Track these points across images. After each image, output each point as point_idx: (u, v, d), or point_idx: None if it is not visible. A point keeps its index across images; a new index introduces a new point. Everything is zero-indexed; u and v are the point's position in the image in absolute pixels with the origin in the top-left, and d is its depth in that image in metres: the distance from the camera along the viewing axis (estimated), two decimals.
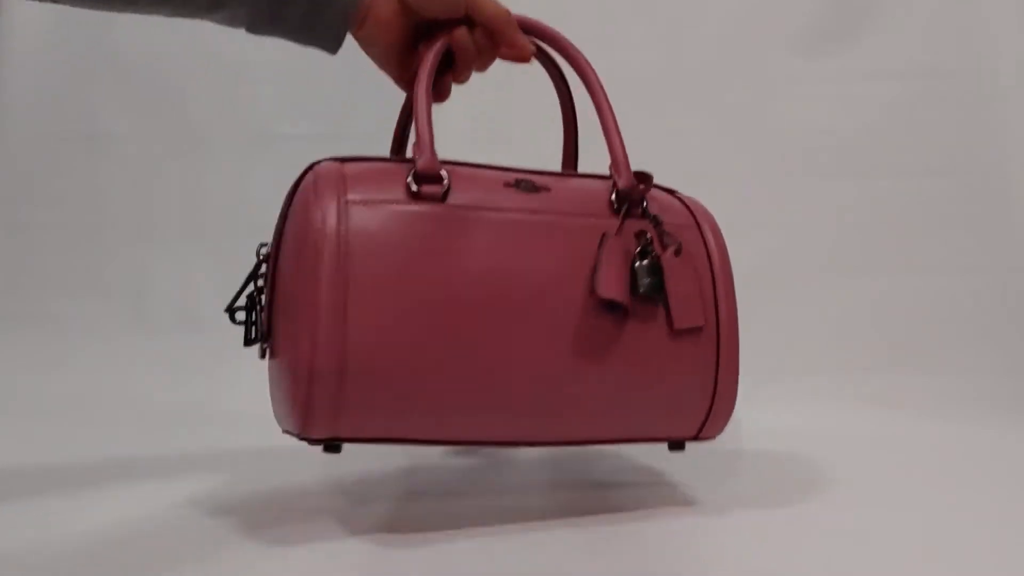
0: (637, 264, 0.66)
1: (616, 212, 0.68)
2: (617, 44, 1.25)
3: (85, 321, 1.28)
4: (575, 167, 0.81)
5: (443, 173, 0.63)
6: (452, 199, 0.62)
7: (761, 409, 1.00)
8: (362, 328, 0.57)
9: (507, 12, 0.70)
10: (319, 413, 0.58)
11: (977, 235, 1.19)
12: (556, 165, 0.80)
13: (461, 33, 0.69)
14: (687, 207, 0.74)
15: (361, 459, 0.75)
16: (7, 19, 1.32)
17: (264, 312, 0.64)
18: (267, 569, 0.58)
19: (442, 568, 0.58)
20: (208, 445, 0.91)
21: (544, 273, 0.63)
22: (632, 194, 0.70)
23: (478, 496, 0.75)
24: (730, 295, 0.72)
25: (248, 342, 0.64)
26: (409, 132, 0.75)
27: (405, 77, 0.72)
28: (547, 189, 0.66)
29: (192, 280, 1.25)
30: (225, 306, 0.64)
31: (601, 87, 0.74)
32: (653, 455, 0.81)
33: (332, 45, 0.69)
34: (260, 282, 0.66)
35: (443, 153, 0.64)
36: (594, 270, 0.64)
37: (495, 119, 1.09)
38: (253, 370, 0.67)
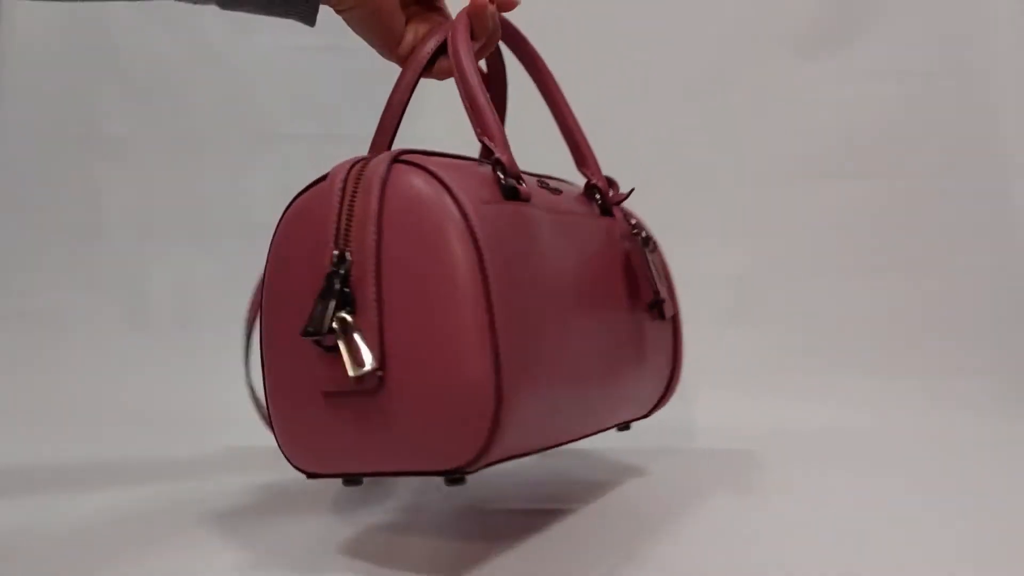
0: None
1: (606, 212, 0.71)
2: (617, 45, 1.26)
3: (84, 320, 1.28)
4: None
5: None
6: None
7: (761, 408, 1.02)
8: (509, 334, 0.52)
9: None
10: (501, 434, 0.51)
11: (975, 236, 1.20)
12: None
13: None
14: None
15: None
16: (7, 19, 1.31)
17: (371, 333, 0.52)
18: (267, 567, 0.58)
19: None
20: (206, 445, 0.91)
21: (591, 269, 0.65)
22: (615, 193, 0.74)
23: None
24: (671, 279, 0.79)
25: (358, 375, 0.51)
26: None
27: (393, 46, 0.67)
28: (559, 191, 0.67)
29: (192, 280, 1.25)
30: (304, 328, 0.52)
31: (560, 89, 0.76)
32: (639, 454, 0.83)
33: (307, 11, 0.64)
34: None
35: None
36: (642, 277, 0.69)
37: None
38: (252, 370, 0.66)
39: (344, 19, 0.67)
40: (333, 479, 0.56)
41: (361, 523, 0.67)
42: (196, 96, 1.30)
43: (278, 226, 0.57)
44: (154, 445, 0.92)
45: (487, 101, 0.61)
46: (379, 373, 0.51)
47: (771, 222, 1.23)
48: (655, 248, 0.74)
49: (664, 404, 0.79)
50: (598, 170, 0.74)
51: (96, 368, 1.20)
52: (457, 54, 0.63)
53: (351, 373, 0.50)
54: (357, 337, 0.51)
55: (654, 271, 0.71)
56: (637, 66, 1.25)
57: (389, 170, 0.53)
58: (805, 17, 1.25)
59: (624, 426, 0.76)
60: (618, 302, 0.68)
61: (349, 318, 0.51)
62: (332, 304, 0.51)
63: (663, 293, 0.70)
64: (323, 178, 0.57)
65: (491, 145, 0.59)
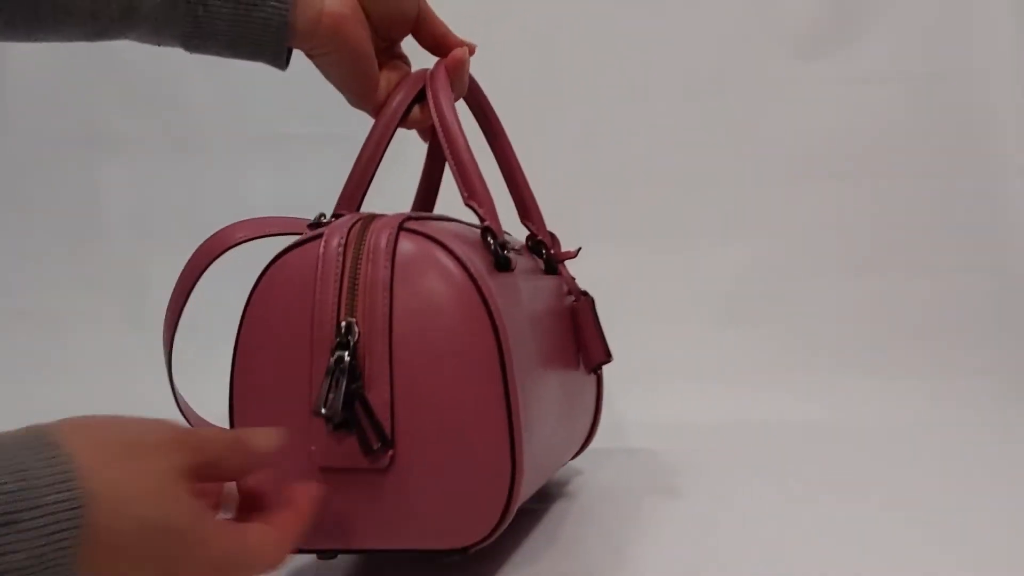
0: None
1: (551, 268, 0.71)
2: (617, 46, 1.27)
3: (83, 320, 1.26)
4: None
5: None
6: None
7: (761, 407, 1.05)
8: (517, 408, 0.51)
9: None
10: (513, 507, 0.51)
11: (972, 236, 1.23)
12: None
13: (463, 52, 0.66)
14: None
15: None
16: None
17: (382, 409, 0.50)
18: None
19: None
20: None
21: (549, 327, 0.65)
22: (560, 251, 0.75)
23: None
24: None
25: (369, 451, 0.50)
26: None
27: (369, 93, 0.64)
28: (519, 250, 0.66)
29: None
30: (315, 407, 0.49)
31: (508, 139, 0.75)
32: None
33: (274, 54, 0.61)
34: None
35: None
36: (593, 338, 0.70)
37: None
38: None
39: (317, 65, 0.64)
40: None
41: None
42: (196, 96, 1.29)
43: (259, 283, 0.54)
44: None
45: (474, 161, 0.60)
46: (391, 452, 0.50)
47: (770, 223, 1.25)
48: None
49: (588, 446, 0.80)
50: (543, 224, 0.74)
51: (96, 368, 1.18)
52: (442, 110, 0.61)
53: (364, 453, 0.49)
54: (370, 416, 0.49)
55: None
56: (637, 67, 1.27)
57: (397, 240, 0.52)
58: (804, 18, 1.26)
59: None
60: (569, 357, 0.69)
61: (366, 399, 0.49)
62: (344, 382, 0.49)
63: (609, 358, 0.72)
64: (310, 239, 0.54)
65: (479, 211, 0.58)
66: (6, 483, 0.34)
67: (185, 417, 0.72)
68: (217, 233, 0.67)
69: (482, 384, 0.50)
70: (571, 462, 0.80)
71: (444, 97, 0.62)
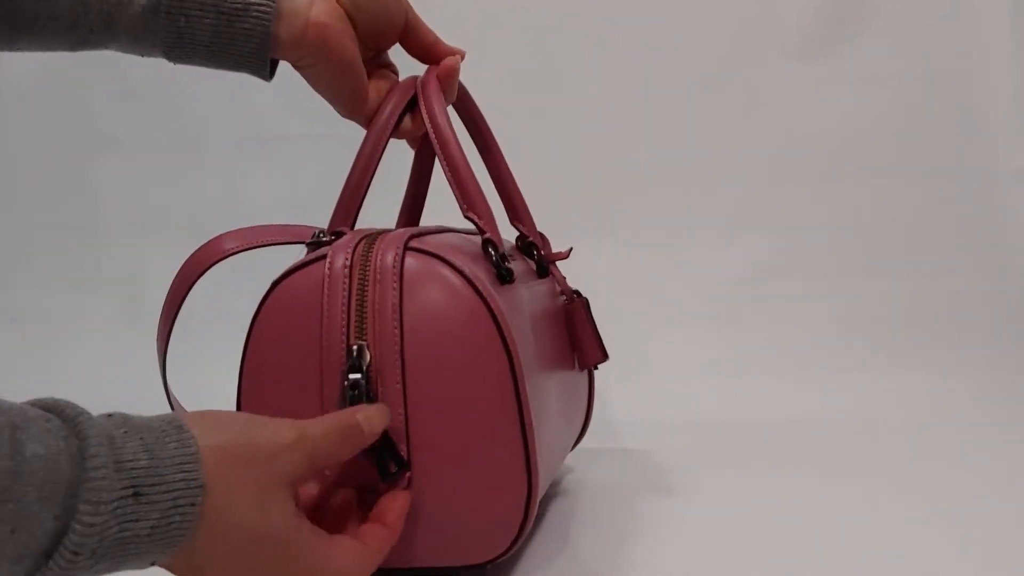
0: None
1: (543, 270, 0.71)
2: (615, 48, 1.27)
3: (82, 319, 1.26)
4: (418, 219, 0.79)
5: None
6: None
7: (760, 405, 1.06)
8: (530, 423, 0.52)
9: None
10: (530, 521, 0.53)
11: (971, 236, 1.24)
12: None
13: (455, 60, 0.65)
14: None
15: None
16: None
17: (397, 432, 0.50)
18: None
19: None
20: None
21: (546, 330, 0.65)
22: (552, 252, 0.75)
23: None
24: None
25: (386, 474, 0.50)
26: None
27: (358, 105, 0.63)
28: (513, 256, 0.66)
29: None
30: None
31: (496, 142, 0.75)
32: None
33: (258, 66, 0.60)
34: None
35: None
36: (589, 338, 0.70)
37: None
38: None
39: (305, 76, 0.63)
40: None
41: None
42: (194, 96, 1.27)
43: (262, 307, 0.54)
44: None
45: (471, 172, 0.59)
46: (408, 474, 0.50)
47: (770, 223, 1.26)
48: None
49: (579, 442, 0.81)
50: (533, 226, 0.74)
51: (94, 368, 1.17)
52: (436, 121, 0.60)
53: (382, 477, 0.49)
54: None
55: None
56: (636, 67, 1.27)
57: (403, 259, 0.51)
58: (803, 20, 1.27)
59: None
60: (564, 357, 0.69)
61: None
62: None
63: (605, 358, 0.72)
64: (312, 260, 0.53)
65: (478, 222, 0.58)
66: (140, 459, 0.37)
67: None
68: (207, 244, 0.66)
69: (496, 403, 0.51)
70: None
71: (438, 107, 0.61)
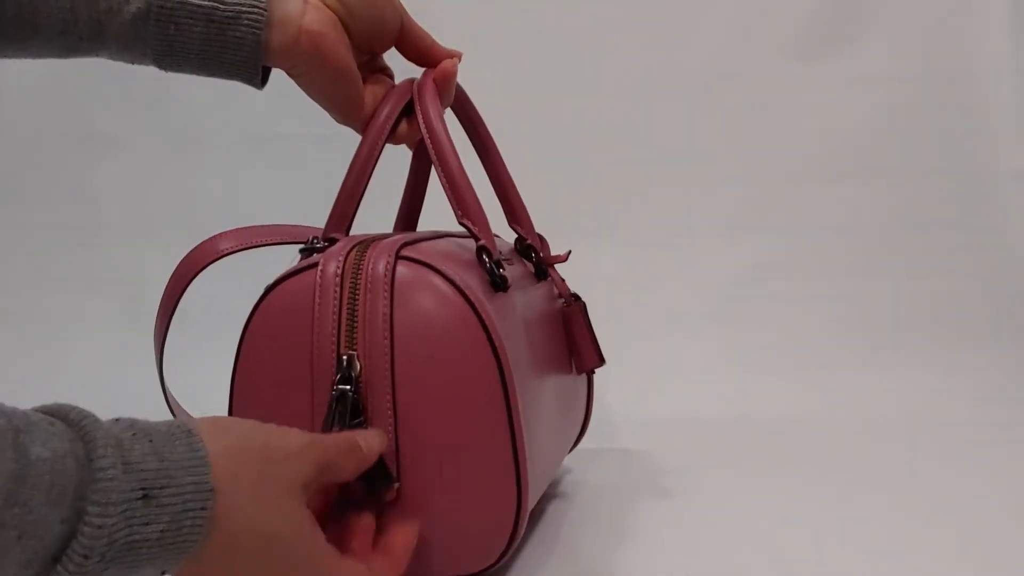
0: None
1: (541, 272, 0.71)
2: (615, 48, 1.27)
3: (81, 319, 1.26)
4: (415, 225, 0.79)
5: None
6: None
7: (759, 405, 1.06)
8: (521, 432, 0.52)
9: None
10: (520, 531, 0.53)
11: (970, 236, 1.25)
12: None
13: (452, 63, 0.64)
14: None
15: None
16: None
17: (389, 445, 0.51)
18: None
19: None
20: None
21: (542, 335, 0.65)
22: (550, 254, 0.74)
23: None
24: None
25: (374, 491, 0.50)
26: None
27: (354, 111, 0.63)
28: (510, 260, 0.66)
29: None
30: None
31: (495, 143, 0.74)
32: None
33: (249, 74, 0.59)
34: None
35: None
36: (586, 342, 0.70)
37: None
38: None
39: (299, 84, 0.62)
40: None
41: None
42: (194, 96, 1.27)
43: (254, 314, 0.54)
44: None
45: (466, 178, 0.59)
46: (396, 485, 0.50)
47: (770, 223, 1.26)
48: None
49: (577, 445, 0.81)
50: (532, 228, 0.74)
51: (94, 368, 1.18)
52: (432, 127, 0.60)
53: (368, 491, 0.49)
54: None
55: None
56: (636, 67, 1.27)
57: (395, 268, 0.51)
58: (803, 20, 1.27)
59: None
60: (561, 361, 0.69)
61: None
62: (347, 417, 0.49)
63: (601, 363, 0.72)
64: (304, 267, 0.53)
65: (473, 229, 0.58)
66: (149, 462, 0.37)
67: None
68: (202, 244, 0.66)
69: (485, 414, 0.51)
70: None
71: (434, 112, 0.61)
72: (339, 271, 0.52)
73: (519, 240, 0.72)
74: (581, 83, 1.28)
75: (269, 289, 0.54)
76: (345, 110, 0.63)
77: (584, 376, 0.78)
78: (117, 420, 0.38)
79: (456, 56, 0.66)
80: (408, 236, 0.56)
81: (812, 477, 0.81)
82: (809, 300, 1.23)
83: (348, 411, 0.49)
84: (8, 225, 1.32)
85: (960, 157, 1.27)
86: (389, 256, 0.52)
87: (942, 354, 1.18)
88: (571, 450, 0.80)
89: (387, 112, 0.62)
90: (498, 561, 0.52)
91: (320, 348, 0.51)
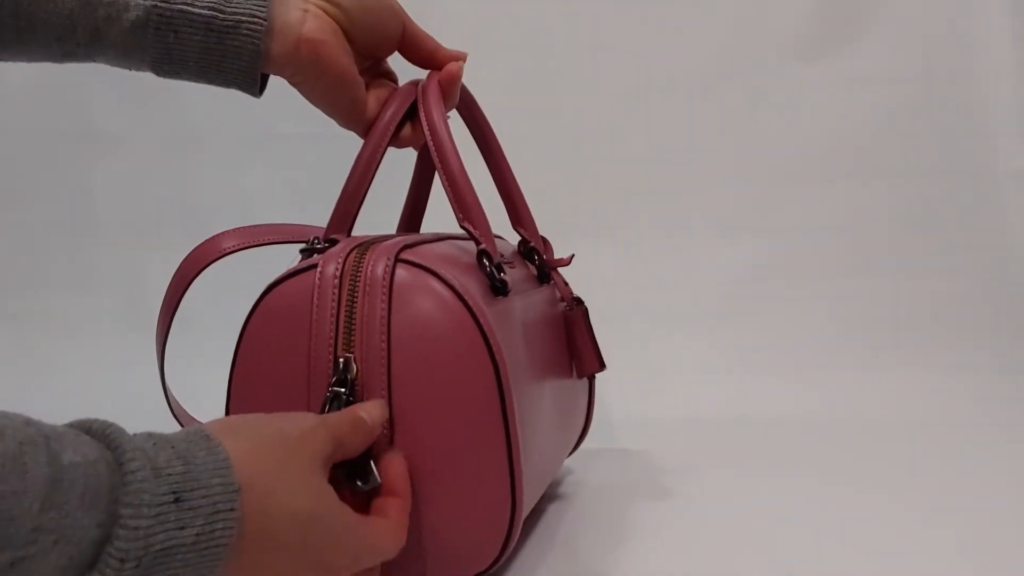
0: None
1: (544, 275, 0.71)
2: (614, 48, 1.27)
3: (80, 319, 1.27)
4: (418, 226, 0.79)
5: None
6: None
7: (759, 405, 1.06)
8: (517, 437, 0.52)
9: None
10: (514, 535, 0.53)
11: (969, 237, 1.25)
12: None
13: (457, 66, 0.64)
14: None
15: None
16: None
17: (381, 444, 0.51)
18: None
19: None
20: None
21: (542, 338, 0.65)
22: (553, 257, 0.74)
23: None
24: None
25: (359, 487, 0.50)
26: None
27: (357, 116, 0.62)
28: (512, 263, 0.66)
29: None
30: None
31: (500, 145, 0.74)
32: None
33: (248, 82, 0.59)
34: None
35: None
36: (587, 348, 0.70)
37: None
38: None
39: (301, 92, 0.62)
40: None
41: None
42: (193, 95, 1.25)
43: (253, 314, 0.54)
44: None
45: (468, 182, 0.59)
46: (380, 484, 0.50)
47: (770, 223, 1.26)
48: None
49: (578, 447, 0.81)
50: (535, 230, 0.74)
51: (94, 368, 1.18)
52: (436, 130, 0.60)
53: (361, 487, 0.49)
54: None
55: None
56: (636, 68, 1.27)
57: (394, 272, 0.51)
58: (803, 21, 1.27)
59: None
60: (562, 364, 0.70)
61: None
62: None
63: (602, 368, 0.72)
64: (304, 268, 0.53)
65: (474, 233, 0.58)
66: (175, 466, 0.37)
67: (179, 420, 0.72)
68: (205, 243, 0.66)
69: (481, 419, 0.51)
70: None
71: (438, 115, 0.61)
72: (338, 273, 0.52)
73: (522, 242, 0.72)
74: (581, 83, 1.28)
75: (268, 290, 0.54)
76: (347, 116, 0.63)
77: (585, 380, 0.78)
78: (136, 433, 0.38)
79: (461, 58, 0.65)
80: (408, 238, 0.55)
81: (812, 477, 0.81)
82: (809, 300, 1.23)
83: None
84: (8, 225, 1.32)
85: (960, 157, 1.27)
86: (388, 259, 0.52)
87: (942, 354, 1.18)
88: (572, 452, 0.80)
89: (391, 114, 0.62)
90: (492, 565, 0.52)
91: (317, 350, 0.51)
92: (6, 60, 0.58)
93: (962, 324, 1.22)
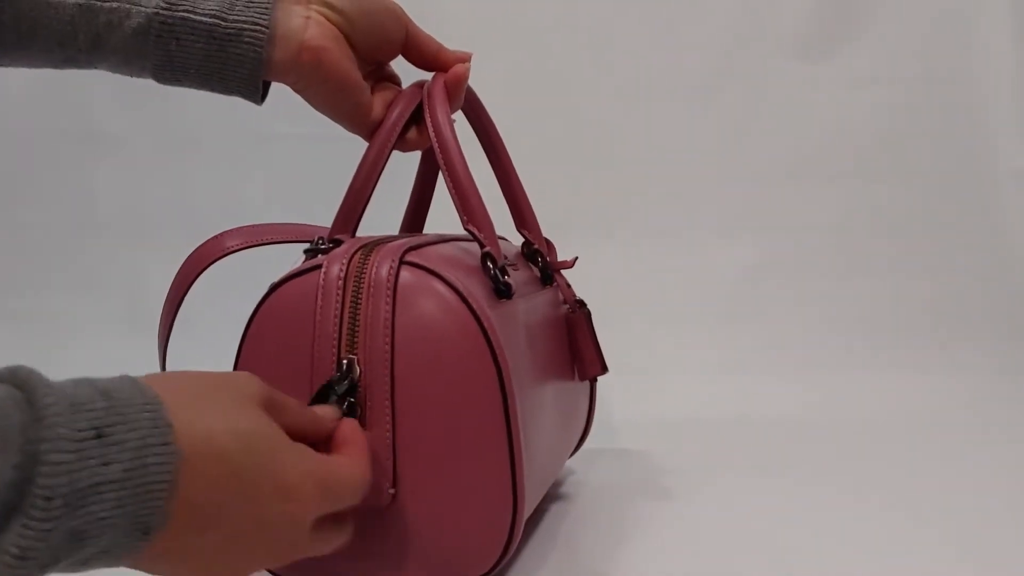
0: None
1: (547, 277, 0.71)
2: (614, 48, 1.27)
3: (80, 320, 1.26)
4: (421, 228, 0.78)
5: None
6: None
7: (759, 405, 1.06)
8: (519, 442, 0.52)
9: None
10: (515, 540, 0.53)
11: (969, 237, 1.25)
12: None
13: (464, 68, 0.64)
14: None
15: None
16: None
17: (383, 447, 0.51)
18: None
19: None
20: None
21: (544, 341, 0.65)
22: (557, 260, 0.74)
23: None
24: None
25: None
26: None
27: (362, 120, 0.62)
28: (515, 265, 0.66)
29: None
30: None
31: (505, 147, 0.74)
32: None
33: (249, 90, 0.59)
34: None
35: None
36: (589, 350, 0.70)
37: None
38: None
39: (304, 98, 0.61)
40: None
41: None
42: (193, 95, 1.22)
43: (256, 314, 0.54)
44: None
45: (473, 185, 0.59)
46: (391, 490, 0.50)
47: (770, 223, 1.26)
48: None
49: (579, 448, 0.81)
50: (539, 233, 0.74)
51: (94, 368, 1.10)
52: (441, 133, 0.60)
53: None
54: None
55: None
56: (637, 68, 1.27)
57: (398, 274, 0.51)
58: (803, 20, 1.27)
59: None
60: (564, 366, 0.70)
61: None
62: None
63: (604, 371, 0.72)
64: (308, 268, 0.54)
65: (478, 236, 0.58)
66: (97, 401, 0.35)
67: None
68: (207, 242, 0.66)
69: (484, 422, 0.51)
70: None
71: (443, 117, 0.61)
72: (342, 274, 0.52)
73: (526, 244, 0.72)
74: (581, 83, 1.28)
75: (271, 290, 0.54)
76: (352, 121, 0.63)
77: (587, 382, 0.78)
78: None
79: (466, 59, 0.65)
80: (413, 240, 0.55)
81: (812, 477, 0.82)
82: (809, 300, 1.24)
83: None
84: (9, 225, 1.32)
85: (960, 157, 1.27)
86: (393, 261, 0.52)
87: (942, 354, 1.19)
88: (573, 453, 0.80)
89: (396, 115, 0.62)
90: (494, 567, 0.52)
91: (320, 351, 0.51)
92: (7, 65, 0.58)
93: (962, 324, 1.23)
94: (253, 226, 0.66)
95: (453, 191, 0.59)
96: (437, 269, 0.52)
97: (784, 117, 1.27)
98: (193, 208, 1.29)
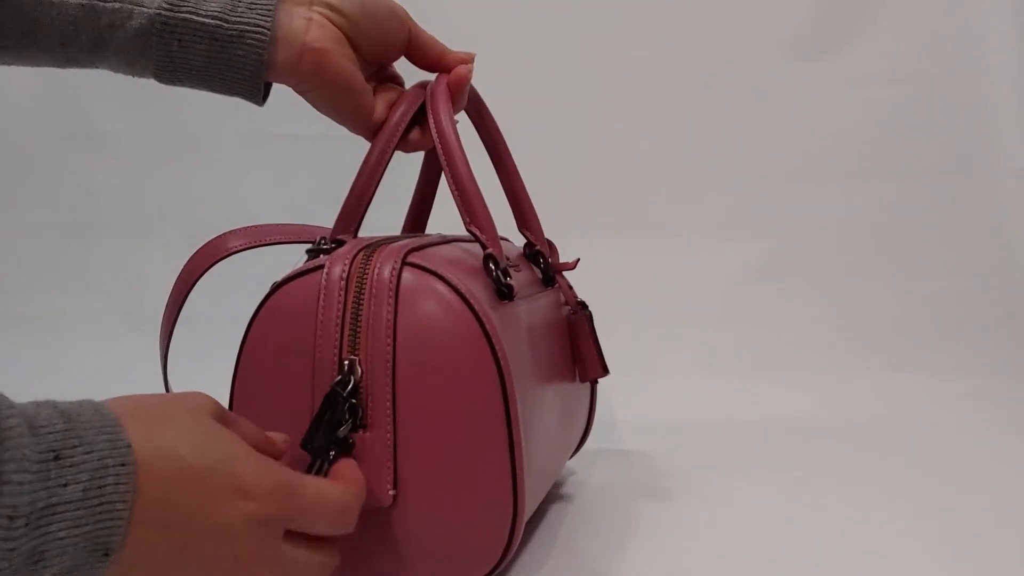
0: None
1: (548, 279, 0.71)
2: (614, 47, 1.27)
3: (81, 319, 1.27)
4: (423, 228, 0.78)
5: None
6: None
7: (759, 405, 1.07)
8: (520, 443, 0.52)
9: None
10: (515, 541, 0.53)
11: (970, 237, 1.25)
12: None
13: (466, 69, 0.64)
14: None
15: None
16: None
17: (384, 449, 0.51)
18: None
19: None
20: None
21: (546, 343, 0.65)
22: (559, 261, 0.75)
23: None
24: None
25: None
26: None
27: (365, 121, 0.62)
28: (518, 267, 0.66)
29: None
30: (304, 442, 0.49)
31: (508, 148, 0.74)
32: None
33: (251, 91, 0.59)
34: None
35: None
36: (590, 354, 0.70)
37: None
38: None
39: (307, 100, 0.62)
40: None
41: None
42: (194, 95, 1.23)
43: (258, 315, 0.54)
44: None
45: (476, 186, 0.59)
46: (392, 492, 0.50)
47: (770, 223, 1.26)
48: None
49: (579, 449, 0.81)
50: (541, 234, 0.74)
51: (95, 368, 1.17)
52: (444, 134, 0.60)
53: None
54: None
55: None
56: (636, 68, 1.27)
57: (400, 275, 0.51)
58: (803, 20, 1.27)
59: None
60: (564, 367, 0.70)
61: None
62: (338, 419, 0.49)
63: (605, 373, 0.72)
64: (310, 269, 0.54)
65: (480, 237, 0.58)
66: (56, 423, 0.36)
67: None
68: (211, 242, 0.66)
69: (485, 425, 0.51)
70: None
71: (446, 118, 0.61)
72: (344, 275, 0.52)
73: (528, 245, 0.72)
74: (583, 84, 1.29)
75: (273, 290, 0.54)
76: (355, 122, 0.63)
77: (587, 383, 0.78)
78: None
79: (469, 60, 0.65)
80: (415, 241, 0.55)
81: (811, 477, 0.82)
82: (809, 300, 1.24)
83: (346, 417, 0.49)
84: (9, 225, 1.33)
85: (960, 157, 1.27)
86: (395, 262, 0.52)
87: (941, 354, 1.19)
88: (573, 454, 0.80)
89: (399, 116, 0.62)
90: (495, 568, 0.52)
91: (322, 352, 0.51)
92: (9, 64, 0.58)
93: (961, 324, 1.23)
94: (256, 226, 0.66)
95: (455, 192, 0.59)
96: (439, 270, 0.52)
97: (784, 117, 1.28)
98: (194, 208, 1.30)
